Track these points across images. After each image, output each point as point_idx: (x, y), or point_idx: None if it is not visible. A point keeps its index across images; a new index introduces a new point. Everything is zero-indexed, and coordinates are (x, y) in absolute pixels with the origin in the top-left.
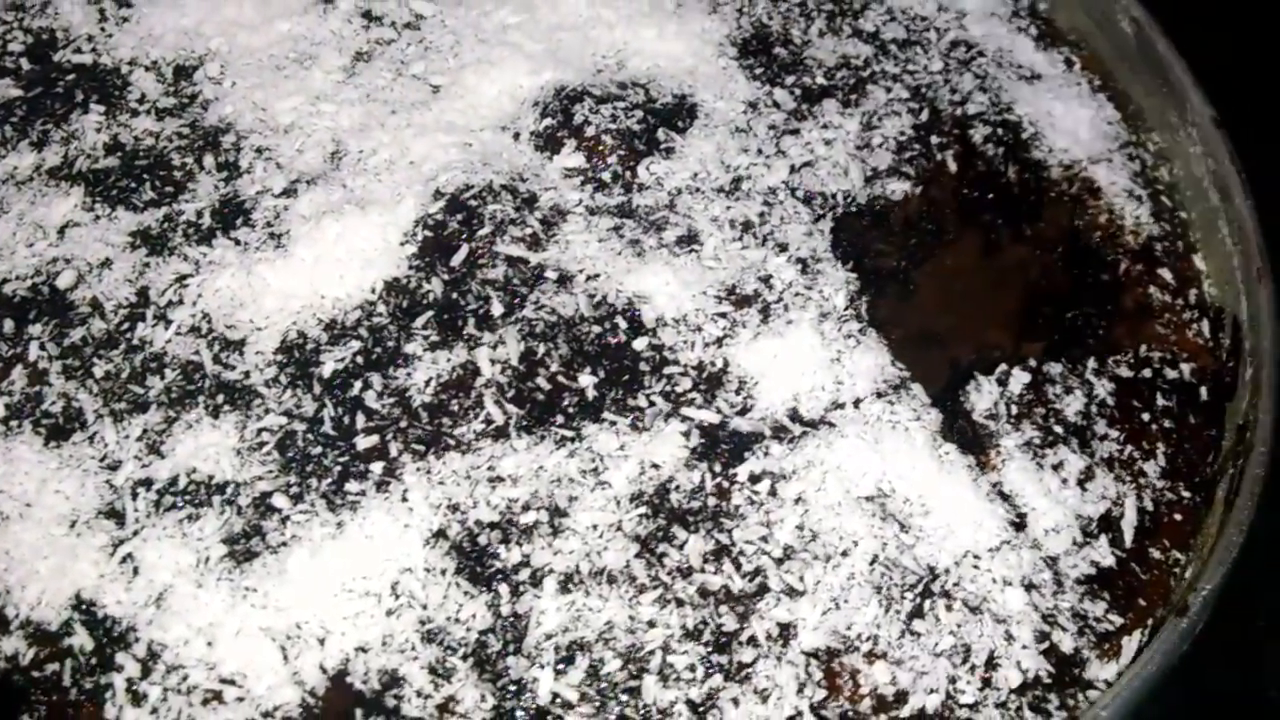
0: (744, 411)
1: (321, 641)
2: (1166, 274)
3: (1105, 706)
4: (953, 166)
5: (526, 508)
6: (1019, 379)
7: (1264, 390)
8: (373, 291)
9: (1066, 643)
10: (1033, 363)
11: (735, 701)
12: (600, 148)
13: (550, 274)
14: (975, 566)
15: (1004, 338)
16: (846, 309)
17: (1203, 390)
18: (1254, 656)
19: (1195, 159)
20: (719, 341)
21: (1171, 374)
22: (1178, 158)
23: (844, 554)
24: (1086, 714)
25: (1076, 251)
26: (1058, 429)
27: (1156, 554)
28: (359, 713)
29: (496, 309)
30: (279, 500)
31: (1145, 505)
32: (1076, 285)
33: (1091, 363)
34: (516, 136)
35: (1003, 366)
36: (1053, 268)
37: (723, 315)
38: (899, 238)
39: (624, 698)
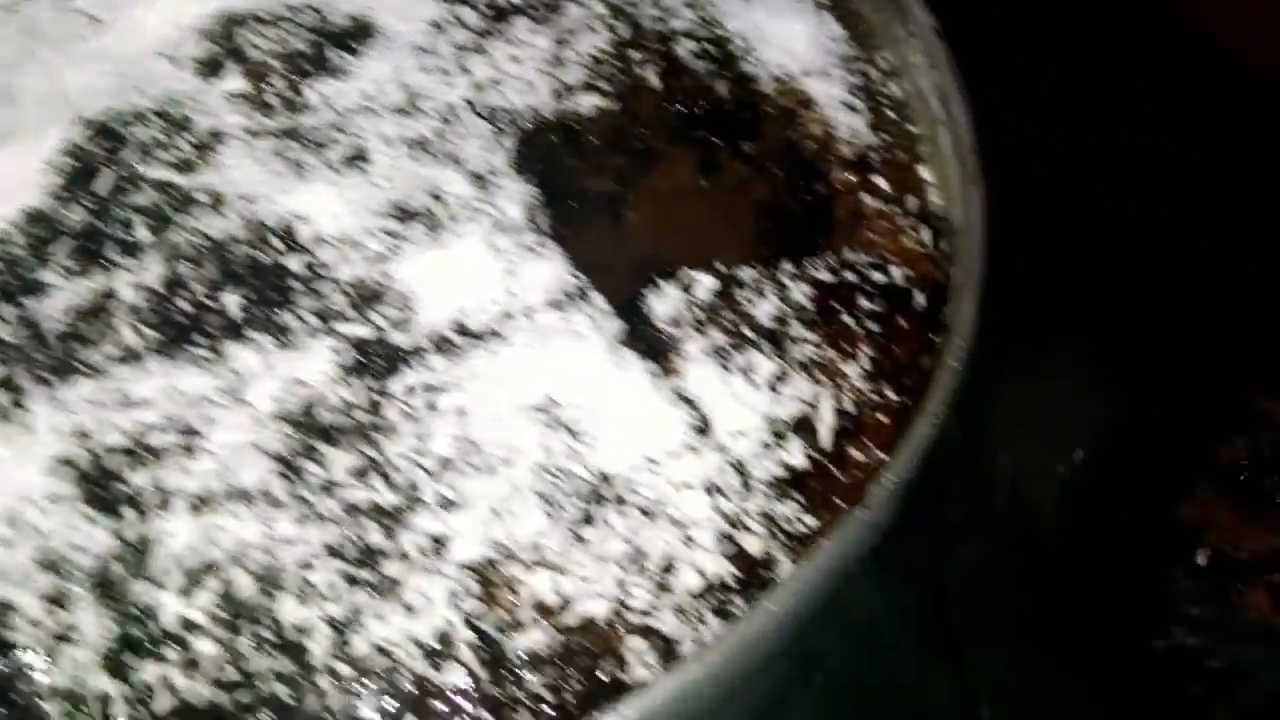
0: (404, 326)
1: None
2: (882, 182)
3: (776, 602)
4: (656, 83)
5: (158, 430)
6: (705, 284)
7: (967, 287)
8: (9, 222)
9: (755, 546)
10: (721, 268)
11: (381, 617)
12: (264, 70)
13: (202, 197)
14: (653, 472)
15: (733, 258)
16: (524, 222)
17: (919, 296)
18: (945, 554)
19: (919, 71)
20: (381, 257)
21: (879, 278)
22: (906, 72)
23: (507, 463)
24: (756, 610)
25: (794, 165)
26: (748, 333)
27: (858, 455)
28: None
29: (142, 234)
30: None
31: (845, 407)
32: (799, 200)
33: (787, 266)
34: (176, 63)
35: (688, 272)
36: (776, 184)
37: (387, 232)
38: (599, 157)
39: (258, 618)
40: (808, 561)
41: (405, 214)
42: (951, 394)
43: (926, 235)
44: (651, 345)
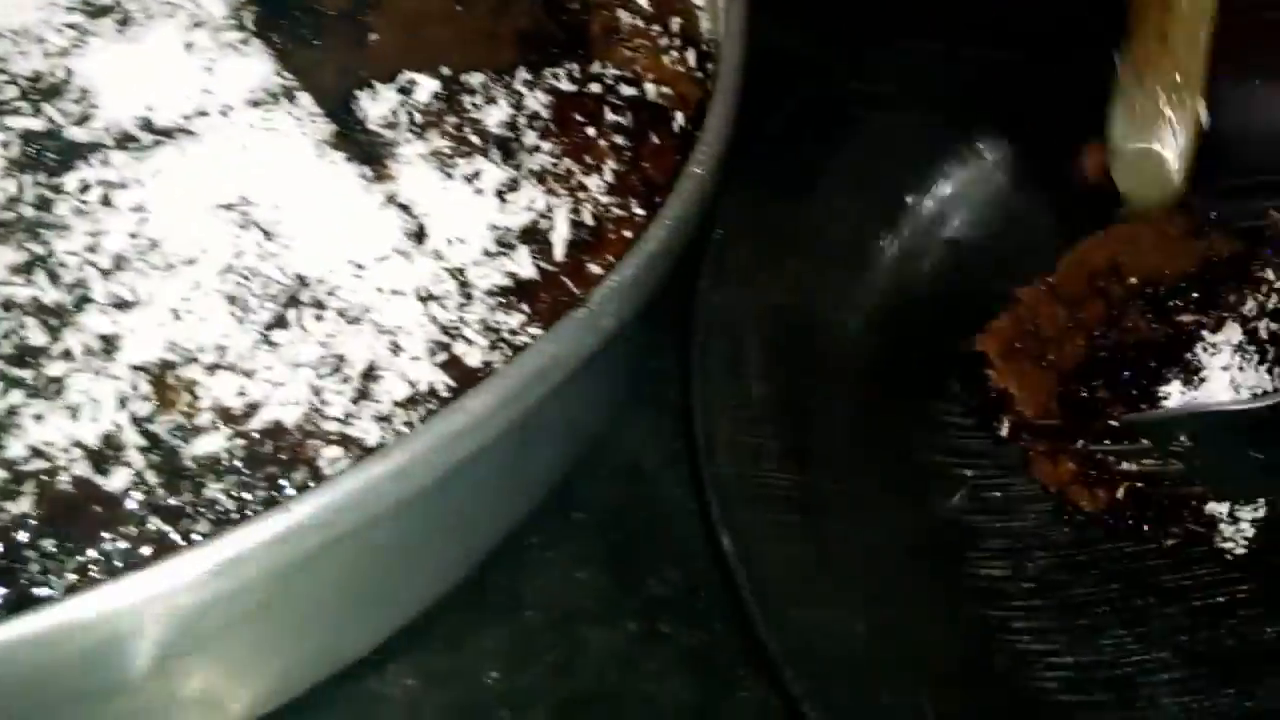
0: (82, 120)
1: None
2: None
3: (478, 399)
4: None
5: None
6: (427, 87)
7: (721, 93)
8: None
9: (474, 356)
10: (445, 71)
11: (39, 418)
12: None
13: None
14: (357, 277)
15: None
16: (226, 19)
17: (679, 116)
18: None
19: None
20: (63, 51)
21: (628, 91)
22: None
23: (190, 263)
24: (453, 408)
25: None
26: (474, 139)
27: (596, 269)
28: None
29: None
30: None
31: (583, 219)
32: (556, 21)
33: (523, 74)
34: None
35: (407, 75)
36: (533, 9)
37: (71, 25)
38: None
39: None
40: (516, 360)
41: (93, 8)
42: (697, 202)
43: (691, 57)
44: (364, 148)
